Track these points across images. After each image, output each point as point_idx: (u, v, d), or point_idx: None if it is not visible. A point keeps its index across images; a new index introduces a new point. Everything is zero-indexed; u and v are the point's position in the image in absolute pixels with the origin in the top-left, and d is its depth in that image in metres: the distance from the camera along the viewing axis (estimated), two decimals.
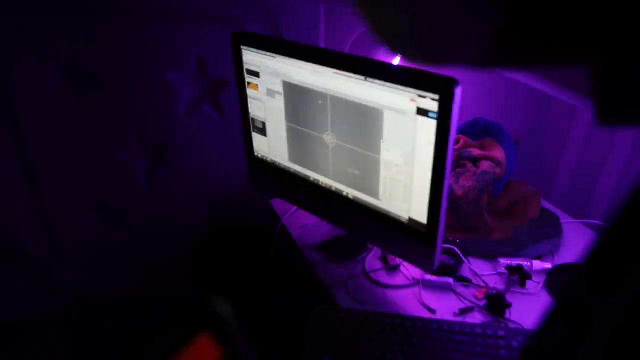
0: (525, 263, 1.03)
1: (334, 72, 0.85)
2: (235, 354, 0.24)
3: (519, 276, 1.00)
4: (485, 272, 1.05)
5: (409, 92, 0.76)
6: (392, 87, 0.78)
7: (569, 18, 0.21)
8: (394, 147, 0.82)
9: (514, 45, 0.23)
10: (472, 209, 1.09)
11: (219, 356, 0.24)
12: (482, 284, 1.02)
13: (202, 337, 0.24)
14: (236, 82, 1.04)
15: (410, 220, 0.86)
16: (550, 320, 0.27)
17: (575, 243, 1.14)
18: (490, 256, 1.08)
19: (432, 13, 0.22)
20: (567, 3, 0.20)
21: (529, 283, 1.00)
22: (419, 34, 0.24)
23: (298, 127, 0.97)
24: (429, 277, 1.01)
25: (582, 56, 0.23)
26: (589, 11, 0.20)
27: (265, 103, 1.01)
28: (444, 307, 0.96)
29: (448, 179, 0.77)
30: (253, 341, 0.25)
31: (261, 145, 1.09)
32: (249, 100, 1.04)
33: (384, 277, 1.05)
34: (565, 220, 1.20)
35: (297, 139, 0.99)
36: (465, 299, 0.98)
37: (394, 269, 1.07)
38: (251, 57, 0.98)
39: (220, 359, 0.24)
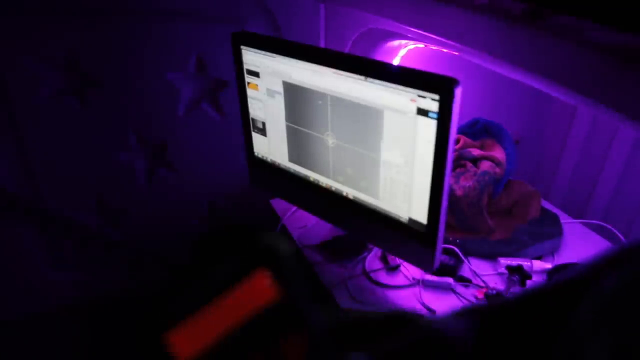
0: (525, 263, 1.03)
1: (334, 72, 0.85)
2: (291, 294, 0.24)
3: (519, 276, 1.00)
4: (486, 272, 1.05)
5: (409, 92, 0.76)
6: (392, 87, 0.78)
7: None
8: (394, 147, 0.82)
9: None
10: (472, 209, 1.09)
11: (276, 294, 0.24)
12: (482, 284, 1.02)
13: (260, 272, 0.23)
14: (236, 82, 1.04)
15: (410, 220, 0.86)
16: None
17: (575, 243, 1.14)
18: (490, 256, 1.08)
19: None
20: None
21: (529, 283, 1.00)
22: None
23: (298, 127, 0.97)
24: (429, 277, 1.01)
25: None
26: None
27: (265, 103, 1.01)
28: (444, 307, 0.96)
29: (448, 179, 0.77)
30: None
31: (261, 145, 1.09)
32: (249, 100, 1.04)
33: (384, 277, 1.05)
34: (565, 220, 1.20)
35: (297, 139, 0.99)
36: (466, 299, 0.98)
37: (394, 269, 1.07)
38: (251, 57, 0.98)
39: (277, 297, 0.24)
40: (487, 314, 0.32)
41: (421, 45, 1.21)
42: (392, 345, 0.30)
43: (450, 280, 1.00)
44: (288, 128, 0.99)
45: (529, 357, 0.29)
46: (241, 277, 0.23)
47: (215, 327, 0.23)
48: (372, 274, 1.06)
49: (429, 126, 0.75)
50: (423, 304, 0.97)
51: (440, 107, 0.72)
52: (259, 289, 0.23)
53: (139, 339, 0.22)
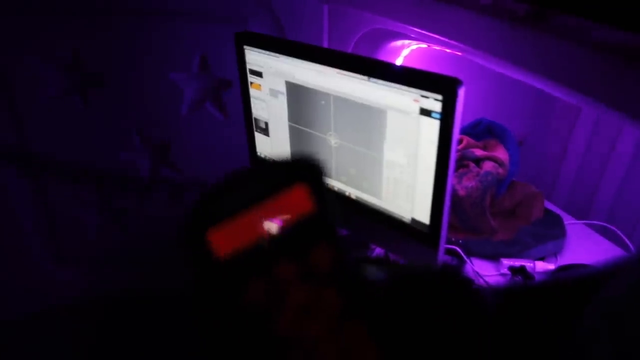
0: (528, 264, 1.03)
1: (337, 72, 0.85)
2: (324, 209, 0.26)
3: (522, 277, 1.00)
4: (488, 273, 1.05)
5: (412, 92, 0.75)
6: (395, 87, 0.78)
7: None
8: (397, 147, 0.82)
9: None
10: (474, 209, 1.09)
11: (311, 207, 0.26)
12: (484, 284, 1.01)
13: (298, 186, 0.25)
14: (239, 82, 1.04)
15: (413, 220, 0.86)
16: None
17: (578, 244, 1.14)
18: (492, 257, 1.08)
19: None
20: None
21: None
22: None
23: (301, 127, 0.97)
24: None
25: None
26: None
27: (268, 103, 1.01)
28: None
29: (451, 180, 0.77)
30: None
31: (264, 145, 1.09)
32: (252, 100, 1.04)
33: None
34: (569, 221, 1.20)
35: (300, 139, 0.99)
36: None
37: None
38: (254, 57, 0.98)
39: (311, 211, 0.26)
40: (504, 293, 0.33)
41: (424, 46, 1.21)
42: (415, 269, 0.31)
43: None
44: (291, 128, 0.99)
45: (540, 349, 0.30)
46: (281, 188, 0.25)
47: (252, 230, 0.24)
48: None
49: (432, 126, 0.75)
50: None
51: (444, 108, 0.72)
52: (296, 201, 0.25)
53: (183, 232, 0.24)
